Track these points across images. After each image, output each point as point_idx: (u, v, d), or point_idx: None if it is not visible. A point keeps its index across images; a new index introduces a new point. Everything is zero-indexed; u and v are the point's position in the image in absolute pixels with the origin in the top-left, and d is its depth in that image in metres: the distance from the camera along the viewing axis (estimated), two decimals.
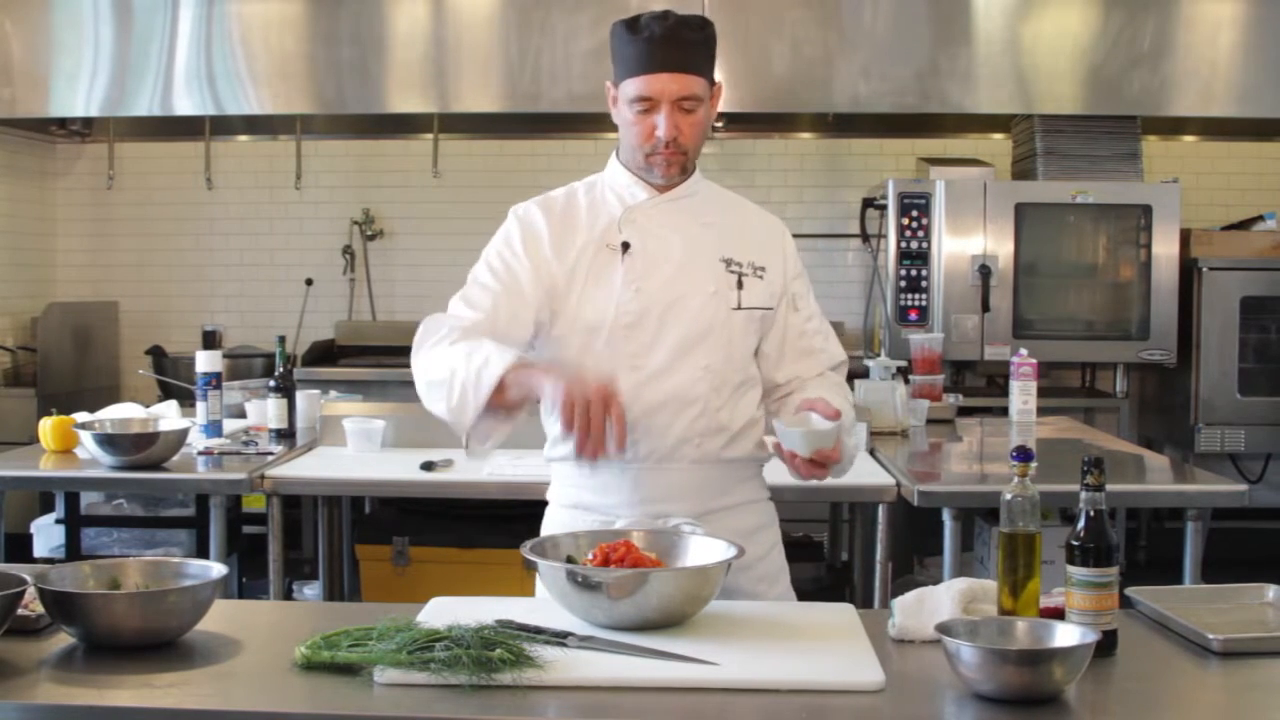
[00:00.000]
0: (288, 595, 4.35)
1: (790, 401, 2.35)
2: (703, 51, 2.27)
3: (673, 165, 2.30)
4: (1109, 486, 1.91)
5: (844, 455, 2.26)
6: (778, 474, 2.34)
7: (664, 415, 2.27)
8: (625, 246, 2.30)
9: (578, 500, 2.36)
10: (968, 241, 5.67)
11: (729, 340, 2.32)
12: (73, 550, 4.40)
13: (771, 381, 2.41)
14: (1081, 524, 1.87)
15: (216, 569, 2.00)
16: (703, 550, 2.04)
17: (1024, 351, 4.57)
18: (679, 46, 2.24)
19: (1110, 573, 1.86)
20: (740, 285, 2.33)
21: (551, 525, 2.40)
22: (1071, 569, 1.87)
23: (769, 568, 2.41)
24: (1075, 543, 1.87)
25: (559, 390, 2.01)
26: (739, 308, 2.33)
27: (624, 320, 2.28)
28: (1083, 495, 1.89)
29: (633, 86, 2.25)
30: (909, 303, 5.69)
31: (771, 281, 2.37)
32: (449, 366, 2.16)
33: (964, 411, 4.78)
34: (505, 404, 2.12)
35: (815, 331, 2.44)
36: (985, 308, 5.64)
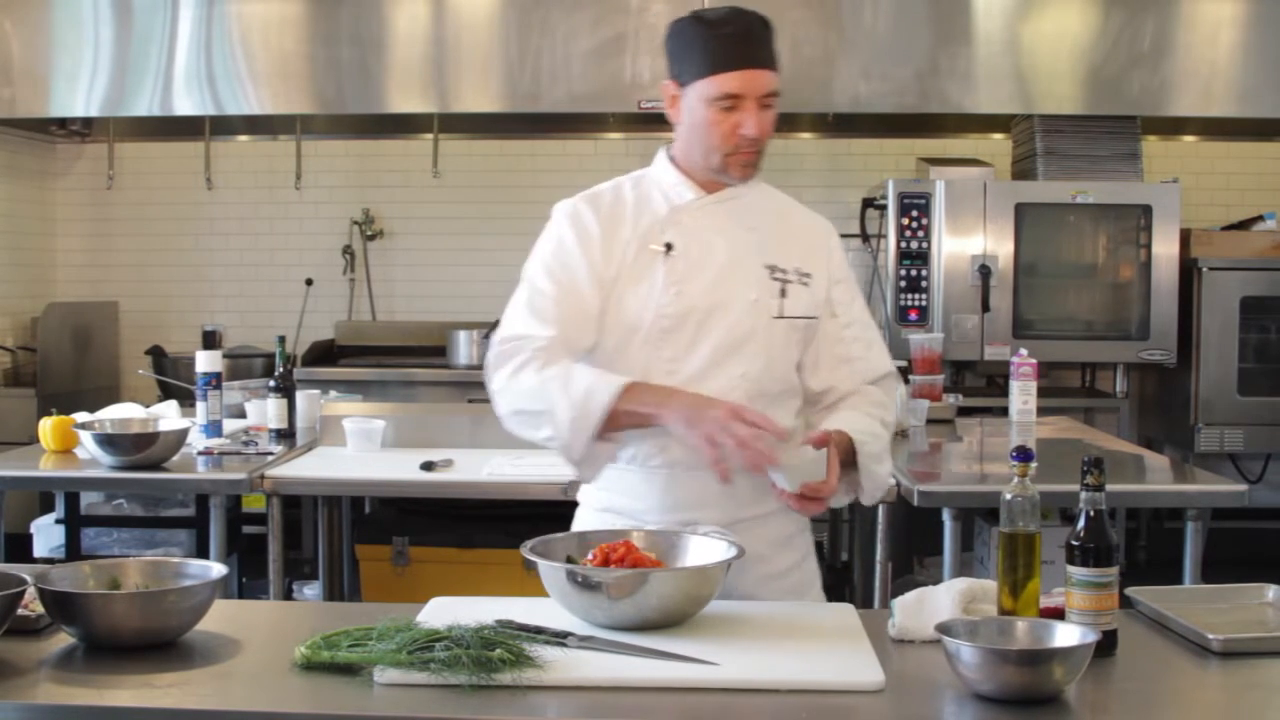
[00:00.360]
0: (288, 595, 4.35)
1: (825, 423, 2.26)
2: (773, 47, 2.23)
3: (751, 166, 2.24)
4: (1109, 486, 1.91)
5: (870, 481, 2.22)
6: None
7: None
8: (668, 248, 2.25)
9: (609, 504, 2.31)
10: (968, 241, 5.67)
11: (768, 349, 2.26)
12: (73, 550, 4.40)
13: (808, 389, 2.34)
14: (1081, 524, 1.87)
15: (216, 569, 2.00)
16: (702, 550, 2.04)
17: (1024, 351, 4.57)
18: (758, 42, 2.20)
19: (1110, 573, 1.86)
20: (784, 294, 2.27)
21: (580, 527, 2.36)
22: (1071, 569, 1.87)
23: (802, 576, 2.36)
24: (1075, 543, 1.87)
25: (692, 430, 2.02)
26: (780, 316, 2.27)
27: (661, 324, 2.23)
28: (1083, 495, 1.89)
29: (716, 84, 2.17)
30: (909, 303, 5.69)
31: (816, 290, 2.31)
32: (546, 398, 2.12)
33: (964, 411, 4.78)
34: (614, 428, 2.11)
35: (854, 339, 2.35)
36: (985, 308, 5.64)
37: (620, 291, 2.24)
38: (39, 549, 4.69)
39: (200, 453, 3.75)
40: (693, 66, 2.20)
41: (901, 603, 1.97)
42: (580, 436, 2.11)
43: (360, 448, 3.90)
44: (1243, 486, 3.40)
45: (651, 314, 2.23)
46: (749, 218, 2.31)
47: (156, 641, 1.87)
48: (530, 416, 2.16)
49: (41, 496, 5.26)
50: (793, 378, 2.32)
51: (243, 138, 6.80)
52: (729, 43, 2.17)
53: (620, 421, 2.11)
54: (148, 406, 4.38)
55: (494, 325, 7.16)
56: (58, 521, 4.51)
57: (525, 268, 2.30)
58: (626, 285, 2.24)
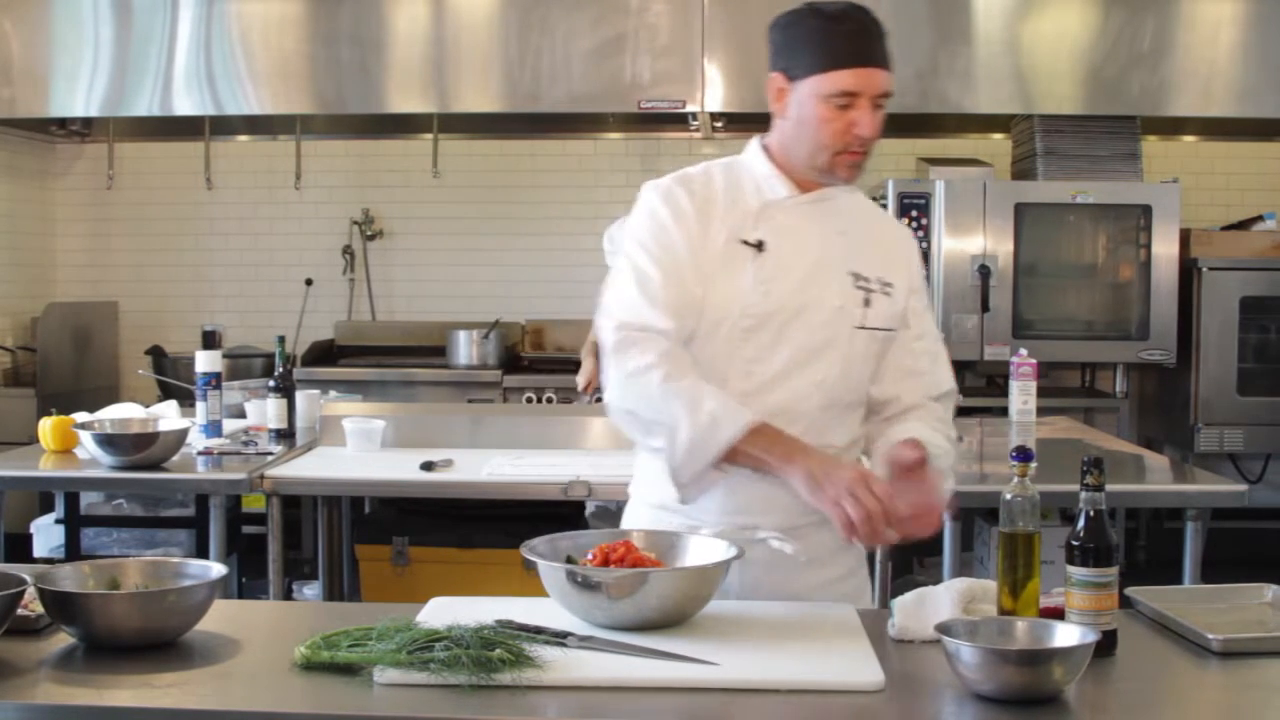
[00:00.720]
0: (288, 595, 4.35)
1: (889, 434, 2.21)
2: (886, 46, 2.17)
3: (858, 167, 2.18)
4: (1109, 486, 1.91)
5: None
6: None
7: None
8: (760, 245, 2.18)
9: (665, 501, 2.21)
10: (967, 241, 5.67)
11: (847, 358, 2.20)
12: (73, 550, 4.40)
13: (870, 397, 2.27)
14: (1081, 524, 1.87)
15: (216, 569, 2.00)
16: (702, 550, 2.04)
17: (1024, 351, 4.57)
18: (878, 39, 2.15)
19: (1110, 573, 1.86)
20: (868, 303, 2.22)
21: (632, 522, 2.30)
22: (1071, 569, 1.87)
23: (857, 583, 2.32)
24: (1075, 543, 1.87)
25: (816, 492, 1.98)
26: (863, 326, 2.21)
27: (744, 323, 2.15)
28: (1083, 495, 1.89)
29: (832, 81, 2.10)
30: None
31: (897, 300, 2.25)
32: (668, 412, 2.06)
33: (964, 411, 4.74)
34: (729, 462, 2.07)
35: (923, 352, 2.29)
36: (985, 308, 5.64)
37: (708, 282, 2.17)
38: (39, 549, 4.69)
39: (200, 453, 3.75)
40: (807, 61, 2.13)
41: (901, 603, 1.97)
42: (695, 462, 2.06)
43: (360, 448, 3.90)
44: (1243, 486, 3.40)
45: (737, 311, 2.16)
46: (840, 220, 2.24)
47: (156, 641, 1.87)
48: (645, 423, 2.11)
49: (41, 496, 5.25)
50: (865, 389, 2.25)
51: (242, 138, 6.80)
52: (847, 39, 2.12)
53: (737, 459, 2.06)
54: (148, 406, 4.38)
55: (494, 325, 7.12)
56: (58, 521, 4.51)
57: (623, 246, 2.23)
58: (714, 276, 2.17)
